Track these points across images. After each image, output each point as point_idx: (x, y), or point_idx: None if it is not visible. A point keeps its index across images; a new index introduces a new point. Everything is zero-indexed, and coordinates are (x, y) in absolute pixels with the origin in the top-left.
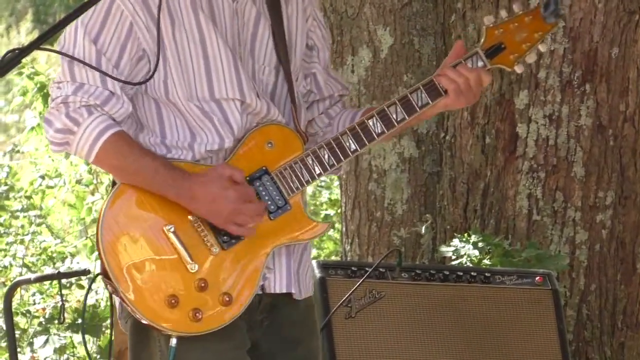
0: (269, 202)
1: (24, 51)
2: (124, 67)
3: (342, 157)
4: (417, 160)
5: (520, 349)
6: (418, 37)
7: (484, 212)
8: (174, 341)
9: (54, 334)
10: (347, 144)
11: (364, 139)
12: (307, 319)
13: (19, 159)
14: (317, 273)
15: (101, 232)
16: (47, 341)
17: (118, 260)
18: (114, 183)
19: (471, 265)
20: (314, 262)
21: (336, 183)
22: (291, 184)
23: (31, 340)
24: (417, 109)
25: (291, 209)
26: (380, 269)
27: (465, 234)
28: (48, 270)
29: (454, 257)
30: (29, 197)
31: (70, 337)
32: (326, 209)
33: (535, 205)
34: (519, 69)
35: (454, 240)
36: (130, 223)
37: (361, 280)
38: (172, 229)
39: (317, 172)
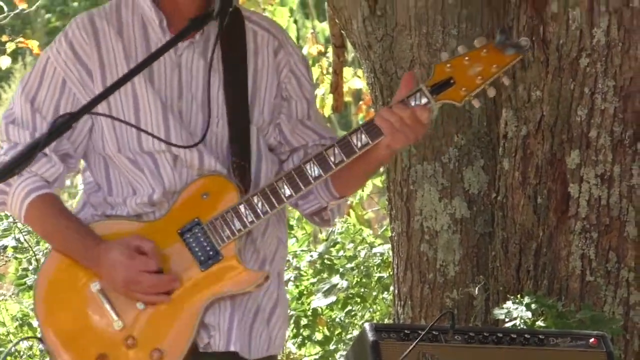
0: (199, 253)
1: (74, 116)
2: None
3: (276, 204)
4: (468, 221)
5: None
6: None
7: (537, 273)
8: None
9: None
10: (282, 190)
11: (300, 183)
12: None
13: None
14: (370, 336)
15: (35, 297)
16: None
17: (50, 323)
18: None
19: (525, 327)
20: (366, 325)
21: (387, 246)
22: (222, 233)
23: None
24: (356, 150)
25: (222, 258)
26: (433, 332)
27: (519, 296)
28: None
29: (507, 320)
30: None
31: None
32: (379, 272)
33: (589, 265)
34: (476, 103)
35: (507, 302)
36: (59, 286)
37: (414, 343)
38: (98, 287)
39: (250, 220)
